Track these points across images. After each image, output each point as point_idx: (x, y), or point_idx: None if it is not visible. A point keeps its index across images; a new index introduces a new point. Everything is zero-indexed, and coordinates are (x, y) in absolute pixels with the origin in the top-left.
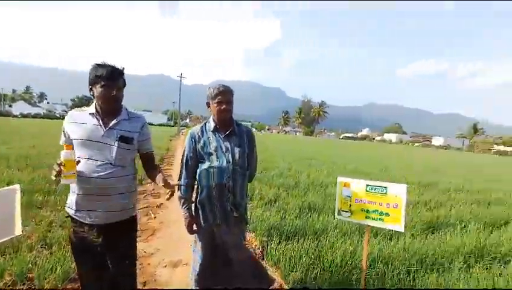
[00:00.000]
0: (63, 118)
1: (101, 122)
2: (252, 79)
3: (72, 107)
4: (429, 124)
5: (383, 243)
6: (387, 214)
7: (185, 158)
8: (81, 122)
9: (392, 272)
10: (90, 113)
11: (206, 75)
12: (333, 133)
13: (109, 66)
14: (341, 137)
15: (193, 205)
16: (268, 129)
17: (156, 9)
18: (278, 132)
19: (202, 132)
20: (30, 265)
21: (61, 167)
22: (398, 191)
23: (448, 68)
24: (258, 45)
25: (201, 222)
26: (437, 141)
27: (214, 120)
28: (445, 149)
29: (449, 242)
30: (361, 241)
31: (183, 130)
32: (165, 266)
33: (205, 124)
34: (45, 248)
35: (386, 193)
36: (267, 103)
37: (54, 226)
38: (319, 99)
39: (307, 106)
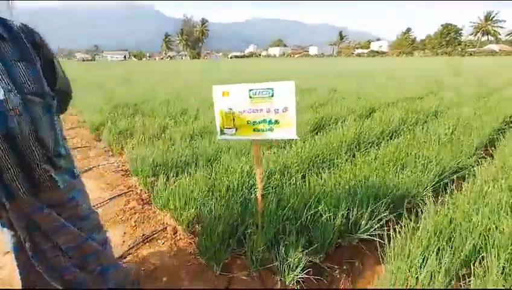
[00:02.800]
0: None
1: None
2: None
3: None
4: (306, 36)
5: (278, 153)
6: (276, 122)
7: None
8: None
9: (289, 180)
10: None
11: None
12: (220, 54)
13: None
14: (230, 57)
15: None
16: (149, 57)
17: None
18: (162, 58)
19: None
20: None
21: None
22: (286, 91)
23: None
24: None
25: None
26: (313, 50)
27: None
28: (320, 57)
29: (334, 138)
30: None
31: None
32: None
33: None
34: None
35: (272, 96)
36: (142, 27)
37: None
38: (199, 17)
39: (189, 25)
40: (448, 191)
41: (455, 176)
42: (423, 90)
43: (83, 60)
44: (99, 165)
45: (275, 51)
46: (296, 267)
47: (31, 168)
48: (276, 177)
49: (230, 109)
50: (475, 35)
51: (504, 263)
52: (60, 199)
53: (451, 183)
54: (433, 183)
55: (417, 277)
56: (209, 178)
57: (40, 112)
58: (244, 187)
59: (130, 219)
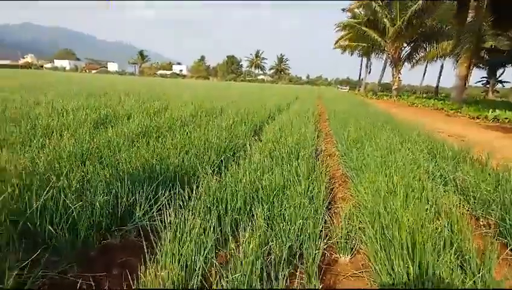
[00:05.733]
0: None
1: None
2: None
3: None
4: (100, 51)
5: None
6: None
7: None
8: None
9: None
10: None
11: None
12: None
13: None
14: None
15: None
16: None
17: None
18: None
19: None
20: None
21: None
22: None
23: None
24: None
25: None
26: (112, 66)
27: None
28: (121, 75)
29: (119, 131)
30: None
31: None
32: None
33: None
34: None
35: None
36: None
37: None
38: None
39: None
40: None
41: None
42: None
43: None
44: None
45: (64, 63)
46: None
47: None
48: None
49: None
50: (250, 67)
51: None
52: None
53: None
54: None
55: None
56: None
57: None
58: None
59: None
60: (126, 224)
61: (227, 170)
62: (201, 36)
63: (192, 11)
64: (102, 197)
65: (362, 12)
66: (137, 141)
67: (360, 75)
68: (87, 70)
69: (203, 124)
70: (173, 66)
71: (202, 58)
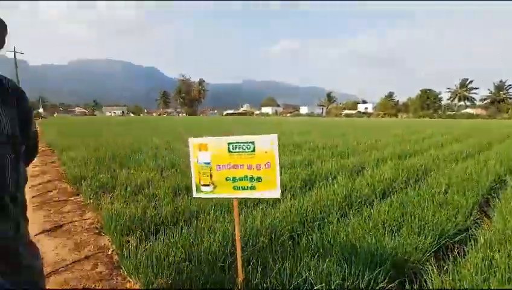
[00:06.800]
0: None
1: None
2: (122, 58)
3: None
4: (296, 97)
5: (265, 211)
6: (259, 179)
7: None
8: None
9: (278, 240)
10: None
11: (60, 53)
12: (216, 111)
13: None
14: (224, 114)
15: None
16: (147, 112)
17: None
18: (159, 114)
19: None
20: None
21: None
22: (268, 145)
23: (300, 46)
24: (126, 23)
25: None
26: (303, 110)
27: None
28: (309, 116)
29: (324, 195)
30: (246, 214)
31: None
32: None
33: None
34: None
35: (254, 151)
36: (142, 84)
37: None
38: (197, 77)
39: (186, 84)
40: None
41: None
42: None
43: (85, 115)
44: (71, 222)
45: (268, 109)
46: None
47: None
48: (262, 239)
49: (207, 163)
50: (452, 100)
51: None
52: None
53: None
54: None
55: None
56: (187, 240)
57: (7, 151)
58: (227, 250)
59: (94, 287)
60: None
61: (456, 265)
62: (389, 66)
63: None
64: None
65: None
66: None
67: None
68: (283, 114)
69: (403, 190)
70: (358, 104)
71: (390, 94)
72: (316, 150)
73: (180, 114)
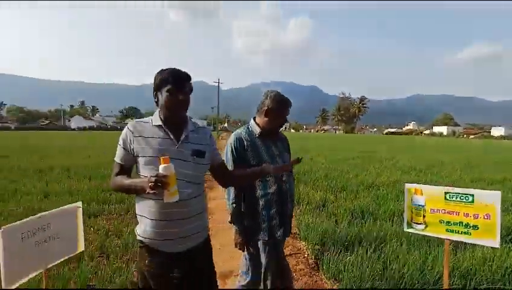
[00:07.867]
0: (116, 129)
1: (171, 136)
2: (285, 79)
3: (121, 119)
4: (485, 113)
5: (459, 254)
6: (475, 227)
7: (231, 164)
8: (147, 136)
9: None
10: (155, 125)
11: (239, 78)
12: (375, 129)
13: (175, 69)
14: (384, 133)
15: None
16: (306, 129)
17: (189, 15)
18: (317, 131)
19: (249, 136)
20: (90, 275)
21: (165, 183)
22: (489, 199)
23: (503, 50)
24: (290, 44)
25: (266, 234)
26: (497, 131)
27: (257, 124)
28: (507, 139)
29: None
30: (431, 252)
31: (222, 134)
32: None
33: (248, 128)
34: (103, 256)
35: (472, 202)
36: (302, 102)
37: (111, 235)
38: (358, 94)
39: (346, 102)
40: None
41: None
42: None
43: None
44: None
45: (442, 129)
46: None
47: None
48: (456, 281)
49: (421, 205)
50: None
51: None
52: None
53: None
54: None
55: None
56: (377, 260)
57: (293, 182)
58: (417, 281)
59: (300, 280)
60: None
61: None
62: None
63: None
64: None
65: None
66: None
67: None
68: (464, 136)
69: None
70: None
71: None
72: None
73: (336, 131)
